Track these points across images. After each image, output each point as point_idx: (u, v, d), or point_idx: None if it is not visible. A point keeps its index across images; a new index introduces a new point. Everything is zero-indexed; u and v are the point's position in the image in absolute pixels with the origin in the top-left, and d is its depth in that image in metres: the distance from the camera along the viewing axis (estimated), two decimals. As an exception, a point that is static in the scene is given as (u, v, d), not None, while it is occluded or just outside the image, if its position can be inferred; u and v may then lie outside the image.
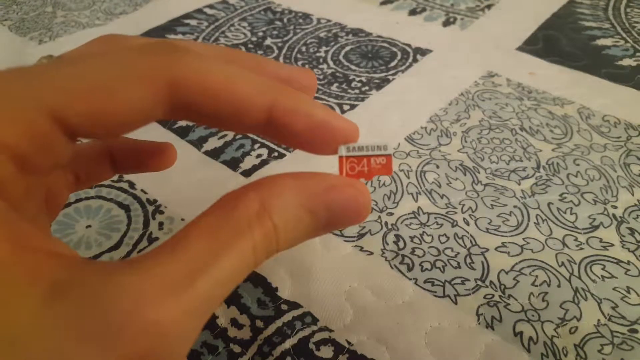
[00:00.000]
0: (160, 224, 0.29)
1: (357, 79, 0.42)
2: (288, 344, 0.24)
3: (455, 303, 0.25)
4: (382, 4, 0.53)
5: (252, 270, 0.15)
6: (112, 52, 0.15)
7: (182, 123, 0.36)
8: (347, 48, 0.46)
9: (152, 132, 0.36)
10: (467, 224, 0.29)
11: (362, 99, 0.39)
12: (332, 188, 0.16)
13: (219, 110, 0.16)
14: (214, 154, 0.34)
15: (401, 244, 0.28)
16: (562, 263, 0.27)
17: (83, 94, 0.14)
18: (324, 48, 0.46)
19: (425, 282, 0.26)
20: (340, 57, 0.45)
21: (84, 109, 0.14)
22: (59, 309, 0.12)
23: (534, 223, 0.29)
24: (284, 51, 0.46)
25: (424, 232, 0.29)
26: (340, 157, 0.17)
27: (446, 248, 0.28)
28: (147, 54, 0.15)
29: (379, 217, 0.30)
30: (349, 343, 0.24)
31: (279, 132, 0.16)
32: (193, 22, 0.51)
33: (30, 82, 0.14)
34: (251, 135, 0.35)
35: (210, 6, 0.54)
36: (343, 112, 0.37)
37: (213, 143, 0.35)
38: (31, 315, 0.12)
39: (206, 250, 0.14)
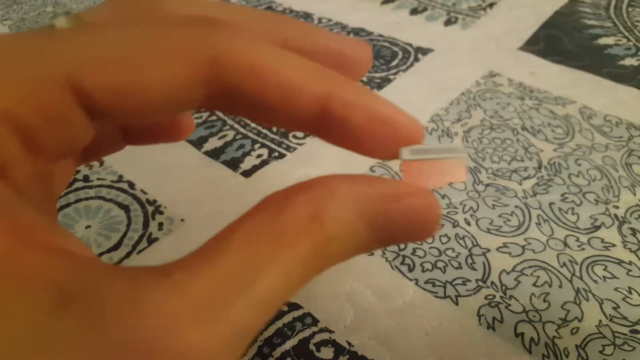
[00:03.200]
0: (160, 225, 0.29)
1: (358, 78, 0.42)
2: (288, 345, 0.24)
3: (456, 304, 0.25)
4: (383, 3, 0.53)
5: (299, 289, 0.12)
6: (143, 22, 0.13)
7: (183, 123, 0.36)
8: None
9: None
10: (468, 224, 0.29)
11: (363, 99, 0.39)
12: (395, 197, 0.13)
13: (266, 97, 0.13)
14: (214, 154, 0.34)
15: (402, 245, 0.28)
16: (564, 263, 0.27)
17: (107, 63, 0.12)
18: (325, 48, 0.46)
19: (426, 282, 0.26)
20: (341, 57, 0.44)
21: (107, 81, 0.12)
22: (67, 323, 0.10)
23: (536, 223, 0.29)
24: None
25: (424, 232, 0.29)
26: (405, 162, 0.15)
27: (447, 248, 0.28)
28: (184, 26, 0.13)
29: (380, 217, 0.30)
30: (349, 344, 0.24)
31: (333, 127, 0.14)
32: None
33: (43, 43, 0.12)
34: (251, 135, 0.35)
35: (211, 6, 0.54)
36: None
37: (213, 143, 0.35)
38: (33, 328, 0.10)
39: (247, 263, 0.11)
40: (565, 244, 0.28)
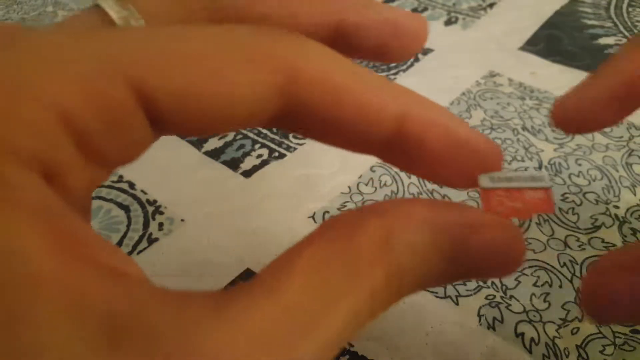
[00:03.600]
0: (160, 225, 0.29)
1: (358, 78, 0.41)
2: (288, 345, 0.24)
3: (457, 304, 0.25)
4: (383, 3, 0.53)
5: (365, 326, 0.11)
6: (216, 27, 0.12)
7: (183, 123, 0.36)
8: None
9: (153, 132, 0.36)
10: (469, 224, 0.29)
11: (363, 99, 0.39)
12: (476, 227, 0.12)
13: (341, 116, 0.12)
14: (215, 154, 0.34)
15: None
16: (564, 263, 0.27)
17: (178, 66, 0.11)
18: (325, 48, 0.46)
19: (426, 282, 0.26)
20: (341, 57, 0.44)
21: (177, 86, 0.11)
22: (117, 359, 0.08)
23: (536, 223, 0.29)
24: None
25: (425, 232, 0.29)
26: (485, 190, 0.13)
27: (447, 248, 0.28)
28: (263, 35, 0.12)
29: (380, 217, 0.30)
30: (349, 344, 0.24)
31: (407, 151, 0.13)
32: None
33: (104, 38, 0.11)
34: (251, 135, 0.35)
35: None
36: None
37: (213, 143, 0.35)
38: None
39: (313, 297, 0.10)
40: (566, 244, 0.28)
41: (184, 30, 0.12)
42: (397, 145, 0.13)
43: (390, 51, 0.16)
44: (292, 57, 0.12)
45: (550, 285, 0.26)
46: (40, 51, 0.11)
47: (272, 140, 0.35)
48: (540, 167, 0.33)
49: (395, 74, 0.42)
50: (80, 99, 0.10)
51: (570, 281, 0.26)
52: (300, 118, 0.12)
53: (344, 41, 0.15)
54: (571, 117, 0.14)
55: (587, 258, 0.27)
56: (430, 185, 0.31)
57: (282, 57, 0.12)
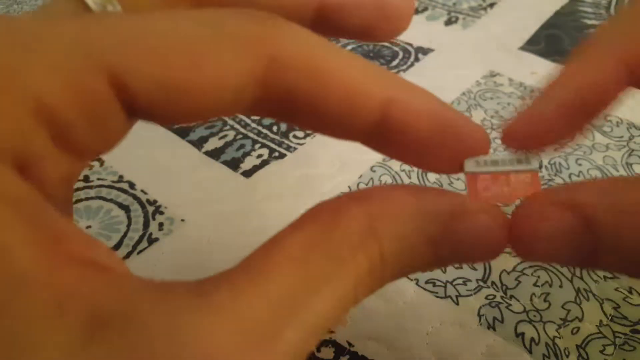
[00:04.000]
0: (160, 225, 0.29)
1: (358, 78, 0.41)
2: (288, 345, 0.24)
3: (457, 304, 0.25)
4: None
5: (348, 312, 0.11)
6: (195, 12, 0.12)
7: (183, 123, 0.36)
8: (349, 47, 0.46)
9: (152, 132, 0.36)
10: (469, 224, 0.29)
11: (363, 99, 0.39)
12: (461, 213, 0.12)
13: (326, 101, 0.12)
14: (215, 154, 0.34)
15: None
16: (564, 263, 0.27)
17: (155, 54, 0.10)
18: (325, 48, 0.46)
19: (426, 282, 0.26)
20: (342, 57, 0.44)
21: (155, 75, 0.10)
22: (101, 350, 0.08)
23: (536, 223, 0.29)
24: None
25: (425, 232, 0.29)
26: (470, 175, 0.13)
27: (447, 248, 0.28)
28: (244, 19, 0.11)
29: (380, 217, 0.30)
30: (349, 344, 0.24)
31: (392, 136, 0.13)
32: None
33: (80, 26, 0.10)
34: (252, 135, 0.35)
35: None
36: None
37: (213, 143, 0.35)
38: (63, 356, 0.08)
39: (297, 283, 0.10)
40: (566, 244, 0.28)
41: (162, 16, 0.11)
42: (382, 131, 0.13)
43: (374, 31, 0.15)
44: (274, 42, 0.11)
45: (550, 285, 0.26)
46: (15, 39, 0.10)
47: (272, 140, 0.35)
48: (540, 167, 0.33)
49: (396, 74, 0.42)
50: (55, 88, 0.10)
51: (570, 281, 0.26)
52: (283, 104, 0.12)
53: (327, 21, 0.15)
54: (520, 133, 0.14)
55: (587, 258, 0.27)
56: (430, 186, 0.31)
57: (263, 42, 0.11)
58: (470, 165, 0.13)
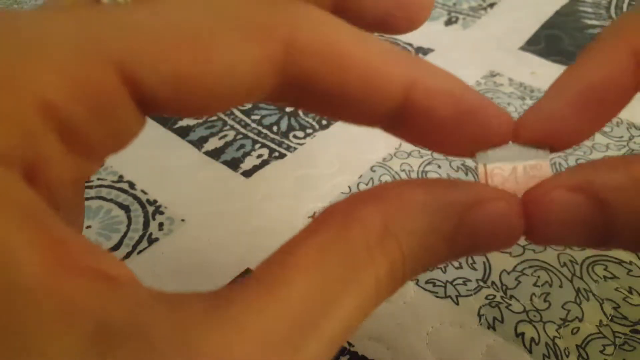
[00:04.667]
0: (161, 225, 0.29)
1: (358, 78, 0.41)
2: (288, 345, 0.24)
3: (457, 304, 0.25)
4: None
5: (369, 316, 0.11)
6: None
7: (183, 123, 0.36)
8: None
9: (152, 133, 0.36)
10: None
11: (363, 99, 0.39)
12: (476, 203, 0.12)
13: (345, 86, 0.11)
14: (215, 154, 0.34)
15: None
16: (564, 263, 0.27)
17: (167, 47, 0.10)
18: (325, 48, 0.46)
19: (426, 282, 0.26)
20: (342, 57, 0.44)
21: (168, 69, 0.10)
22: None
23: (536, 223, 0.29)
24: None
25: (425, 232, 0.29)
26: (483, 165, 0.13)
27: (447, 248, 0.28)
28: (260, 2, 0.11)
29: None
30: (349, 344, 0.24)
31: (414, 120, 0.12)
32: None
33: (88, 19, 0.10)
34: (252, 135, 0.35)
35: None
36: (344, 111, 0.37)
37: (213, 143, 0.35)
38: None
39: (315, 292, 0.10)
40: (566, 244, 0.28)
41: (171, 5, 0.11)
42: (405, 114, 0.12)
43: (394, 21, 0.15)
44: (290, 24, 0.11)
45: (550, 285, 0.26)
46: (19, 35, 0.10)
47: (272, 140, 0.35)
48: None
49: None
50: (62, 86, 0.09)
51: (570, 281, 0.26)
52: (302, 91, 0.12)
53: (346, 11, 0.14)
54: (531, 126, 0.13)
55: (587, 258, 0.27)
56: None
57: (279, 25, 0.11)
58: (483, 157, 0.13)
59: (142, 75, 0.10)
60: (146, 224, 0.29)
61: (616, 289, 0.26)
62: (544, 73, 0.41)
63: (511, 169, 0.13)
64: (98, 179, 0.32)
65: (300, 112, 0.37)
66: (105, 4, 0.12)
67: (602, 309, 0.25)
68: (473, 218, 0.12)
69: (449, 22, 0.49)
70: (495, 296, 0.25)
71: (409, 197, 0.11)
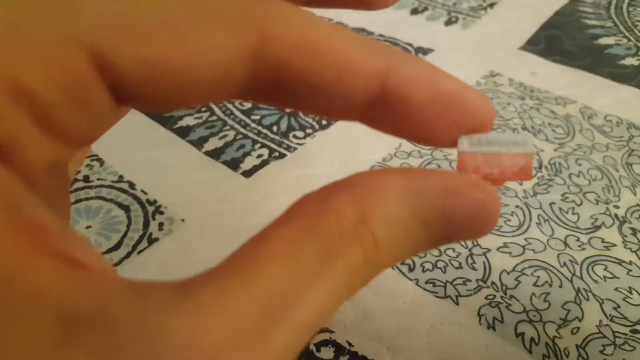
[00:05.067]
0: (160, 225, 0.29)
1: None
2: (288, 345, 0.24)
3: (457, 304, 0.25)
4: None
5: (343, 304, 0.11)
6: None
7: (183, 123, 0.36)
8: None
9: (152, 133, 0.36)
10: (469, 224, 0.29)
11: (363, 99, 0.39)
12: (453, 191, 0.12)
13: (320, 75, 0.11)
14: (215, 154, 0.34)
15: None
16: (564, 263, 0.27)
17: (140, 31, 0.10)
18: (325, 48, 0.46)
19: (426, 282, 0.26)
20: (342, 57, 0.44)
21: (140, 52, 0.10)
22: (74, 353, 0.08)
23: (536, 223, 0.29)
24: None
25: (425, 232, 0.29)
26: (462, 154, 0.13)
27: (447, 248, 0.28)
28: None
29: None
30: (349, 344, 0.24)
31: (390, 109, 0.12)
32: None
33: (61, 6, 0.10)
34: (251, 135, 0.35)
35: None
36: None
37: (213, 143, 0.35)
38: (33, 357, 0.08)
39: (286, 279, 0.09)
40: (566, 244, 0.28)
41: None
42: (381, 105, 0.12)
43: None
44: (265, 17, 0.11)
45: (550, 285, 0.26)
46: None
47: (272, 140, 0.35)
48: (540, 167, 0.33)
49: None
50: (34, 69, 0.09)
51: (570, 281, 0.26)
52: (276, 83, 0.11)
53: None
54: None
55: (587, 258, 0.27)
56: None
57: (252, 17, 0.11)
58: (464, 143, 0.13)
59: (113, 59, 0.10)
60: (146, 224, 0.29)
61: (616, 289, 0.26)
62: (544, 73, 0.41)
63: (492, 158, 0.13)
64: (98, 179, 0.32)
65: (300, 112, 0.37)
66: None
67: (602, 309, 0.25)
68: (449, 205, 0.12)
69: (449, 22, 0.49)
70: (495, 296, 0.25)
71: (384, 185, 0.11)
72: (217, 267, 0.10)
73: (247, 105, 0.38)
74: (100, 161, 0.33)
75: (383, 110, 0.12)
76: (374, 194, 0.11)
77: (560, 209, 0.30)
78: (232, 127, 0.36)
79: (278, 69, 0.11)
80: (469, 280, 0.26)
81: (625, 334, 0.24)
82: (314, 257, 0.10)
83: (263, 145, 0.35)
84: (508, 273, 0.26)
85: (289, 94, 0.12)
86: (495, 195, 0.12)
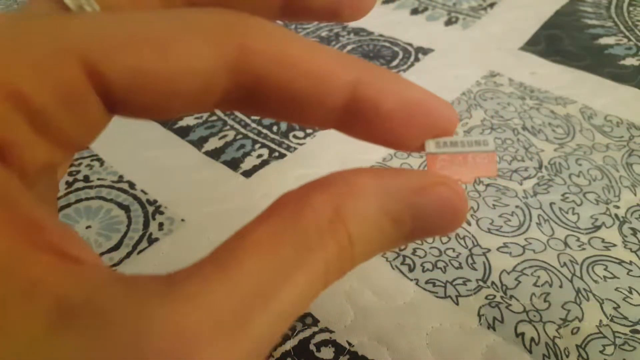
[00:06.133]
0: (161, 225, 0.29)
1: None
2: (288, 345, 0.24)
3: (457, 304, 0.25)
4: (384, 2, 0.53)
5: (318, 295, 0.11)
6: (168, 10, 0.12)
7: (183, 123, 0.36)
8: (349, 47, 0.46)
9: (152, 133, 0.36)
10: (469, 224, 0.29)
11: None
12: (422, 188, 0.13)
13: (295, 85, 0.12)
14: (215, 154, 0.34)
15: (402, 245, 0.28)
16: (564, 263, 0.27)
17: (128, 44, 0.11)
18: (325, 48, 0.46)
19: (426, 282, 0.26)
20: (342, 57, 0.44)
21: (127, 63, 0.11)
22: (66, 339, 0.09)
23: (536, 223, 0.29)
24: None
25: (425, 232, 0.29)
26: (429, 155, 0.14)
27: (447, 248, 0.28)
28: (214, 12, 0.12)
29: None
30: (349, 344, 0.24)
31: (361, 116, 0.13)
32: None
33: (55, 19, 0.11)
34: (252, 135, 0.35)
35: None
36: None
37: (213, 143, 0.35)
38: (27, 343, 0.08)
39: (266, 271, 0.10)
40: (566, 244, 0.28)
41: (135, 13, 0.12)
42: (353, 112, 0.13)
43: (341, 11, 0.16)
44: (243, 31, 0.12)
45: (551, 285, 0.26)
46: None
47: (272, 140, 0.35)
48: (540, 167, 0.33)
49: (396, 73, 0.42)
50: (30, 76, 0.10)
51: (570, 281, 0.26)
52: (255, 93, 0.12)
53: (294, 4, 0.16)
54: None
55: (587, 258, 0.27)
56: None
57: (232, 31, 0.12)
58: (431, 146, 0.14)
59: (104, 69, 0.11)
60: (146, 224, 0.29)
61: (616, 289, 0.26)
62: (544, 73, 0.41)
63: (457, 158, 0.14)
64: (98, 179, 0.32)
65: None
66: (75, 12, 0.13)
67: (602, 309, 0.25)
68: (419, 202, 0.13)
69: (449, 22, 0.49)
70: (495, 296, 0.25)
71: (357, 183, 0.12)
72: (202, 260, 0.11)
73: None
74: (100, 161, 0.33)
75: (355, 117, 0.13)
76: (349, 192, 0.12)
77: (560, 209, 0.30)
78: (232, 127, 0.36)
79: (257, 79, 0.12)
80: (469, 280, 0.26)
81: (625, 334, 0.24)
82: (292, 251, 0.11)
83: (263, 145, 0.35)
84: (508, 273, 0.26)
85: (268, 103, 0.13)
86: (462, 192, 0.13)
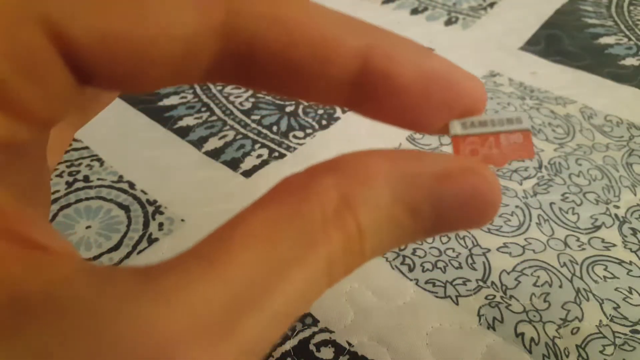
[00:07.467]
0: (160, 225, 0.29)
1: (358, 78, 0.41)
2: (288, 345, 0.24)
3: (457, 304, 0.25)
4: (384, 3, 0.53)
5: (322, 294, 0.10)
6: None
7: (183, 123, 0.36)
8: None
9: (152, 133, 0.36)
10: (469, 224, 0.29)
11: (363, 99, 0.39)
12: (446, 175, 0.11)
13: (293, 54, 0.10)
14: (214, 154, 0.34)
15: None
16: (564, 263, 0.27)
17: (96, 2, 0.09)
18: (325, 47, 0.46)
19: (426, 282, 0.26)
20: (342, 57, 0.44)
21: (96, 25, 0.09)
22: (16, 345, 0.07)
23: (536, 223, 0.29)
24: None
25: (425, 232, 0.29)
26: (456, 137, 0.12)
27: (447, 248, 0.28)
28: None
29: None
30: (349, 344, 0.24)
31: (373, 91, 0.11)
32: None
33: None
34: (251, 135, 0.35)
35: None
36: (343, 112, 0.37)
37: (213, 143, 0.35)
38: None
39: (260, 267, 0.09)
40: (566, 244, 0.28)
41: None
42: (363, 86, 0.11)
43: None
44: None
45: (550, 285, 0.26)
46: None
47: (272, 140, 0.35)
48: (540, 167, 0.33)
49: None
50: None
51: (570, 281, 0.26)
52: (248, 60, 0.11)
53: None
54: None
55: (587, 258, 0.27)
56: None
57: None
58: (456, 126, 0.12)
59: (70, 31, 0.09)
60: (146, 224, 0.29)
61: (616, 289, 0.26)
62: (544, 73, 0.41)
63: (488, 139, 0.12)
64: (98, 179, 0.32)
65: (300, 112, 0.37)
66: None
67: (602, 309, 0.25)
68: (442, 191, 0.11)
69: (448, 22, 0.49)
70: (495, 296, 0.25)
71: (370, 166, 0.10)
72: (186, 251, 0.09)
73: (247, 105, 0.38)
74: (100, 161, 0.33)
75: (366, 92, 0.11)
76: (359, 177, 0.10)
77: (560, 209, 0.30)
78: (232, 127, 0.36)
79: (249, 47, 0.10)
80: (469, 280, 0.26)
81: (625, 334, 0.24)
82: (291, 245, 0.09)
83: (263, 145, 0.35)
84: (508, 273, 0.26)
85: (263, 73, 0.11)
86: (494, 180, 0.11)
